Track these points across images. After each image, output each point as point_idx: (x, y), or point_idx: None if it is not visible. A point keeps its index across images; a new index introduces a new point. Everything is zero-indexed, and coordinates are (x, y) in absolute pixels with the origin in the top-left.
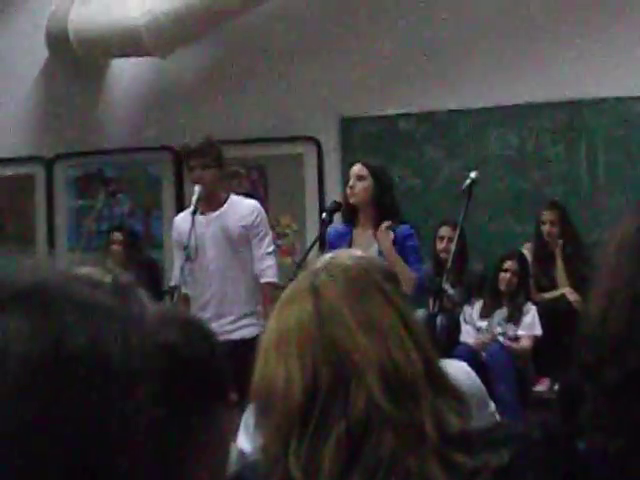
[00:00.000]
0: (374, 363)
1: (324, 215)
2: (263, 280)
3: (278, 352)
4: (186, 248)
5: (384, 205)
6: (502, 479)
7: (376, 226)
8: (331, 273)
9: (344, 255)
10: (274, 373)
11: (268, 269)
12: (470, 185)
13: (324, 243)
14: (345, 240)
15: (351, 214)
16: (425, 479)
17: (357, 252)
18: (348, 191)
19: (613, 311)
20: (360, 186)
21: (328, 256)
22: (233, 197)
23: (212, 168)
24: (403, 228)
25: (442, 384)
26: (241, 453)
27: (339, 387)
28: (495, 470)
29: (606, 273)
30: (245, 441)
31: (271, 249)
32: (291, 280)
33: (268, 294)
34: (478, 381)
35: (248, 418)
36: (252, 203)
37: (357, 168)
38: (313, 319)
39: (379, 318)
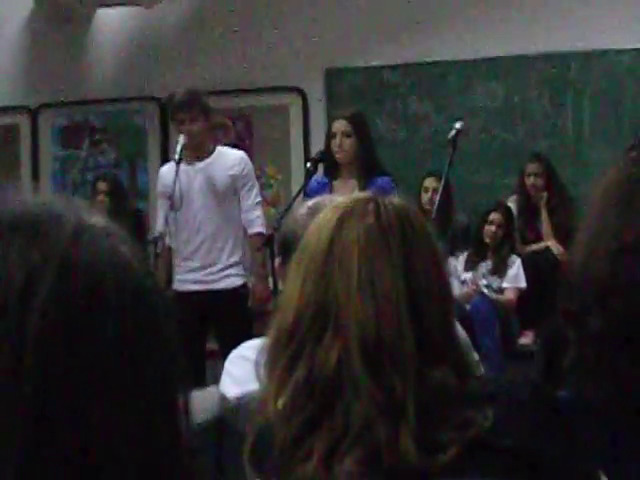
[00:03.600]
0: (359, 325)
1: (309, 165)
2: (251, 231)
3: (297, 266)
4: (170, 198)
5: (368, 159)
6: (485, 443)
7: (360, 178)
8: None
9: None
10: (287, 285)
11: (256, 219)
12: (455, 135)
13: (306, 193)
14: (325, 191)
15: (332, 167)
16: (394, 452)
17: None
18: (335, 148)
19: (597, 259)
20: (348, 143)
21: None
22: (220, 148)
23: (199, 120)
24: (384, 180)
25: (441, 352)
26: (223, 398)
27: (316, 328)
28: (470, 442)
29: (591, 222)
30: (228, 386)
31: (258, 200)
32: (275, 229)
33: (256, 244)
34: (463, 333)
35: (231, 364)
36: (239, 154)
37: (342, 125)
38: (323, 251)
39: (382, 280)
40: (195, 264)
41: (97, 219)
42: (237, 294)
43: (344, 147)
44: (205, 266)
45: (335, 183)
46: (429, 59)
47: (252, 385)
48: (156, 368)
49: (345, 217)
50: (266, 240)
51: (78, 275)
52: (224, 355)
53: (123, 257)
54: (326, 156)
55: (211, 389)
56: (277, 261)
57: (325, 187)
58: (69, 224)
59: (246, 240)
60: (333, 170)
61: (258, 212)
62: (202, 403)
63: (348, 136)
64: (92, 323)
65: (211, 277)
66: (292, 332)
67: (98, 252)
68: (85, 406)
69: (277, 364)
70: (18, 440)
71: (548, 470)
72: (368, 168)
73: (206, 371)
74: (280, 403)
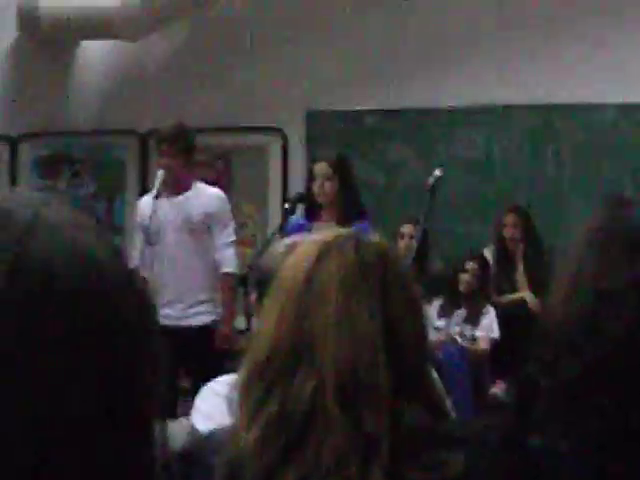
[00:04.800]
0: (334, 360)
1: (286, 205)
2: (222, 270)
3: (274, 299)
4: (147, 230)
5: (348, 202)
6: None
7: (340, 221)
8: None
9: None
10: (263, 318)
11: (228, 259)
12: (435, 182)
13: (285, 234)
14: (304, 233)
15: (312, 209)
16: None
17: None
18: (317, 191)
19: (573, 306)
20: (329, 186)
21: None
22: (198, 184)
23: (181, 155)
24: (363, 226)
25: (415, 391)
26: (194, 430)
27: (291, 361)
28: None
29: (568, 269)
30: (199, 421)
31: (232, 239)
32: (250, 268)
33: (226, 284)
34: (436, 376)
35: (201, 399)
36: (216, 191)
37: (323, 167)
38: (301, 283)
39: (360, 316)
40: (166, 299)
41: (58, 212)
42: (207, 331)
43: (325, 190)
44: (175, 301)
45: (315, 225)
46: (410, 105)
47: (222, 420)
48: (121, 380)
49: (325, 252)
50: (240, 279)
51: (31, 271)
52: (194, 392)
53: (85, 251)
54: (306, 198)
55: (182, 420)
56: (252, 297)
57: (305, 229)
58: (23, 219)
59: (218, 278)
60: (313, 212)
61: (231, 251)
62: (172, 433)
63: (329, 179)
64: (44, 324)
65: (181, 313)
66: (266, 365)
67: (54, 247)
68: (36, 419)
69: (250, 397)
70: None
71: None
72: (348, 211)
73: (177, 408)
74: (252, 436)
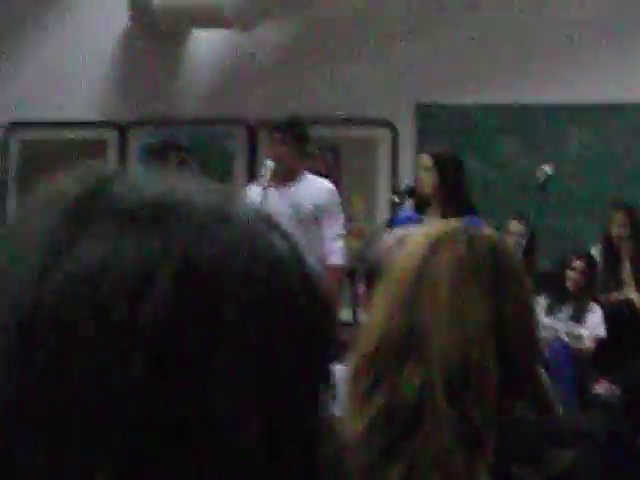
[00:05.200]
0: (444, 354)
1: (395, 198)
2: (329, 262)
3: (384, 291)
4: None
5: (449, 196)
6: None
7: (443, 215)
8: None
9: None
10: (372, 310)
11: (336, 251)
12: (545, 180)
13: (393, 227)
14: (414, 226)
15: (422, 203)
16: None
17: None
18: (418, 182)
19: None
20: (427, 177)
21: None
22: (308, 176)
23: (294, 145)
24: (473, 220)
25: (523, 387)
26: None
27: (400, 354)
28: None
29: None
30: None
31: (341, 231)
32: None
33: (334, 275)
34: (544, 373)
35: None
36: (326, 183)
37: (423, 159)
38: (412, 276)
39: (471, 310)
40: None
41: (240, 206)
42: None
43: (424, 182)
44: None
45: (425, 218)
46: (519, 101)
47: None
48: (293, 391)
49: (436, 245)
50: (348, 272)
51: (200, 274)
52: None
53: (267, 251)
54: (415, 191)
55: None
56: (360, 289)
57: (414, 222)
58: (199, 213)
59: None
60: (422, 205)
61: (339, 243)
62: None
63: (427, 171)
64: (211, 329)
65: None
66: (375, 357)
67: (229, 245)
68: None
69: (357, 389)
70: (114, 449)
71: None
72: (452, 205)
73: None
74: (358, 428)
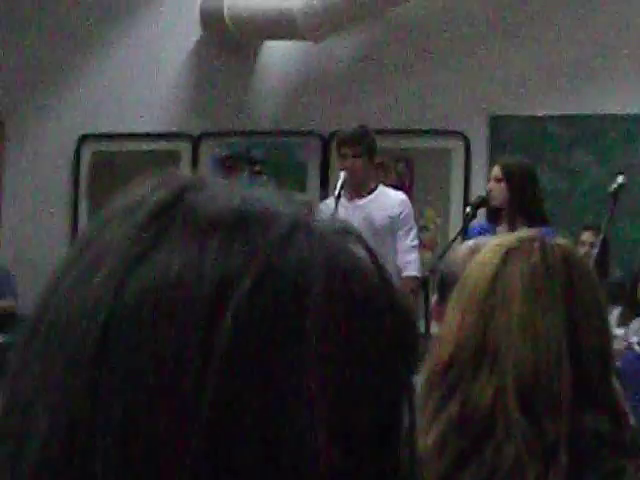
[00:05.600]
0: (517, 364)
1: (468, 209)
2: (405, 273)
3: (457, 301)
4: None
5: (522, 206)
6: None
7: (514, 226)
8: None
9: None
10: (445, 321)
11: (411, 263)
12: (617, 189)
13: (466, 238)
14: (487, 237)
15: (494, 212)
16: None
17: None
18: (489, 193)
19: None
20: (497, 188)
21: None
22: (381, 187)
23: (363, 157)
24: (546, 231)
25: (597, 398)
26: None
27: (473, 364)
28: None
29: None
30: None
31: (415, 243)
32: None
33: (408, 287)
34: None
35: None
36: (400, 195)
37: (495, 169)
38: (485, 286)
39: (544, 320)
40: None
41: (323, 217)
42: None
43: (494, 192)
44: None
45: (498, 229)
46: (593, 112)
47: None
48: (372, 409)
49: (510, 254)
50: (421, 283)
51: (281, 283)
52: None
53: (349, 263)
54: (487, 201)
55: None
56: (434, 299)
57: (487, 233)
58: (281, 223)
59: (399, 281)
60: (495, 216)
61: (414, 255)
62: None
63: (498, 181)
64: (293, 338)
65: None
66: (448, 367)
67: (311, 254)
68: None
69: (431, 398)
70: (192, 466)
71: None
72: (523, 216)
73: None
74: (431, 438)
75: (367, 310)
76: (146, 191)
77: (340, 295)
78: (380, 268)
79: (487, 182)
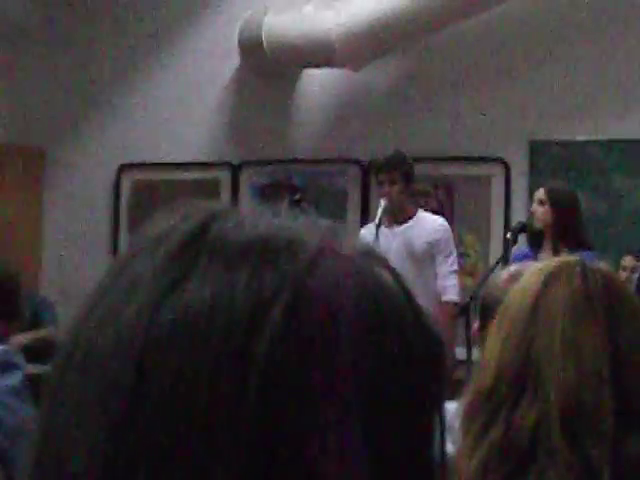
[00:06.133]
0: (559, 389)
1: (508, 235)
2: (445, 298)
3: (499, 327)
4: None
5: (564, 230)
6: None
7: (556, 250)
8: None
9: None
10: (487, 346)
11: (450, 287)
12: None
13: (507, 263)
14: (529, 262)
15: (536, 237)
16: None
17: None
18: (530, 215)
19: None
20: (540, 211)
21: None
22: (421, 213)
23: (400, 183)
24: (588, 255)
25: (639, 421)
26: None
27: (515, 390)
28: None
29: None
30: None
31: (454, 268)
32: (472, 298)
33: (448, 312)
34: None
35: None
36: (440, 220)
37: (539, 193)
38: (527, 311)
39: (586, 345)
40: None
41: (348, 242)
42: None
43: (537, 214)
44: None
45: (540, 255)
46: (633, 136)
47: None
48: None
49: (551, 279)
50: (461, 309)
51: (313, 307)
52: None
53: (374, 285)
54: (529, 227)
55: None
56: (475, 326)
57: (529, 259)
58: (308, 249)
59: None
60: (535, 240)
61: (454, 280)
62: None
63: (542, 204)
64: (324, 362)
65: None
66: (491, 392)
67: (340, 279)
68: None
69: (473, 424)
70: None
71: None
72: (565, 240)
73: None
74: (474, 463)
75: (396, 327)
76: (175, 221)
77: (370, 315)
78: (404, 288)
79: (528, 208)
